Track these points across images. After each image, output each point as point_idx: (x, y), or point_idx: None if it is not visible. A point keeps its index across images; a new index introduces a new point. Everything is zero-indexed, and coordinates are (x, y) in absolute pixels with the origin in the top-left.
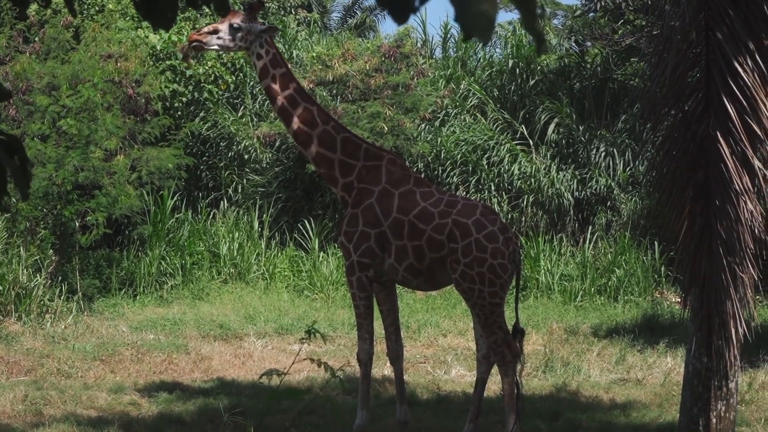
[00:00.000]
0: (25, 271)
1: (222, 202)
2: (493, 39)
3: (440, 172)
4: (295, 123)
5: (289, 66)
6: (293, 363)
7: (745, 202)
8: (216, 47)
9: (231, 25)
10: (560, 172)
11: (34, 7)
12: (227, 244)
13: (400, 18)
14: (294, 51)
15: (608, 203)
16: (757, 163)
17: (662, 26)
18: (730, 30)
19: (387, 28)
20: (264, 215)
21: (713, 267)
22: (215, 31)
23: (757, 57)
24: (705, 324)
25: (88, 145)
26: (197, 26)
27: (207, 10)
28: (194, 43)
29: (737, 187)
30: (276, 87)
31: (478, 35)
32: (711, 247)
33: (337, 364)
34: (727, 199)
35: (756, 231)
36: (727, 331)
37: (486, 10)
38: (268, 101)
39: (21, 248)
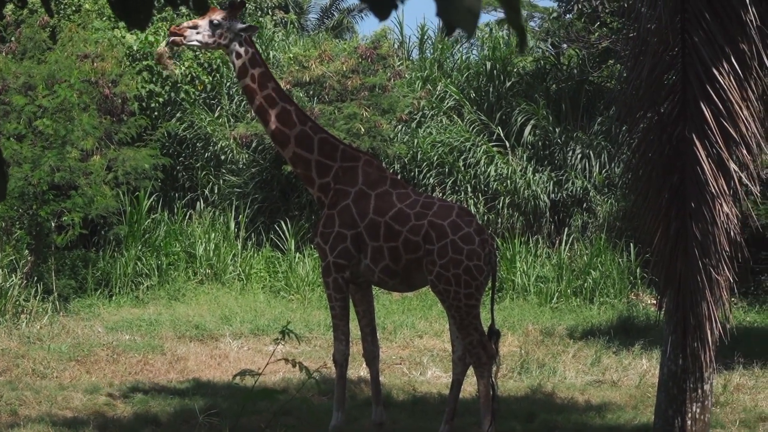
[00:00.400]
0: (0, 271)
1: (198, 203)
2: (470, 41)
3: (417, 173)
4: (273, 123)
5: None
6: (267, 363)
7: (721, 205)
8: (195, 43)
9: (211, 22)
10: (536, 174)
11: (10, 6)
12: (203, 244)
13: (383, 14)
14: (271, 52)
15: (584, 205)
16: (732, 166)
17: (638, 29)
18: (706, 33)
19: (364, 29)
20: (240, 216)
21: (689, 269)
22: (195, 27)
23: (733, 60)
24: (680, 326)
25: (65, 146)
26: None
27: (184, 11)
28: (173, 37)
29: (713, 190)
30: (254, 86)
31: (463, 28)
32: (687, 249)
33: (313, 365)
34: (703, 201)
35: (732, 233)
36: (703, 333)
37: (470, 2)
38: (244, 102)
39: None
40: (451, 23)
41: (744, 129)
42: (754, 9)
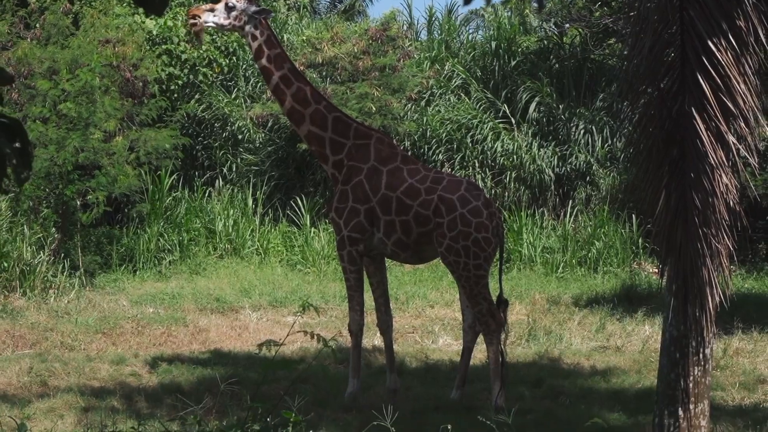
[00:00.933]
0: (28, 248)
1: (217, 181)
2: (476, 21)
3: (426, 150)
4: (289, 102)
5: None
6: (288, 335)
7: (720, 176)
8: (212, 24)
9: (227, 4)
10: (541, 149)
11: None
12: (222, 220)
13: None
14: (285, 35)
15: (587, 178)
16: (731, 138)
17: (638, 7)
18: (703, 10)
19: (375, 11)
20: (258, 193)
21: (689, 238)
22: (211, 10)
23: (730, 36)
24: (681, 292)
25: (88, 127)
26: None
27: None
28: (192, 19)
29: (712, 161)
30: (271, 67)
31: None
32: (687, 218)
33: (329, 335)
34: (703, 172)
35: (731, 203)
36: (703, 299)
37: None
38: (260, 83)
39: (25, 227)
40: None
41: (741, 103)
42: None
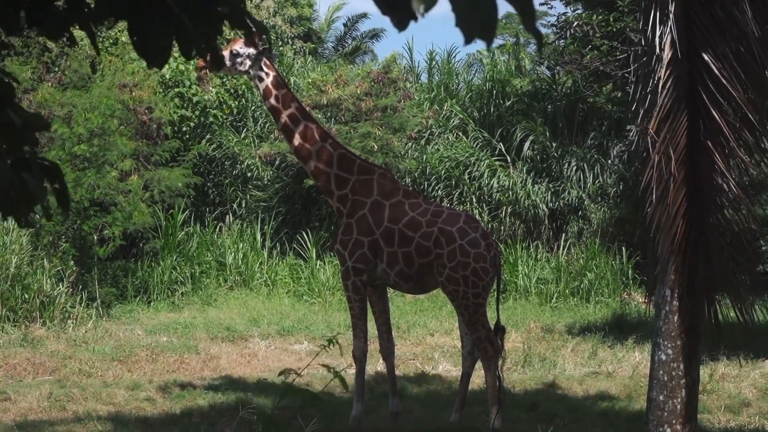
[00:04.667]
0: (48, 280)
1: (227, 216)
2: (473, 65)
3: (426, 186)
4: (297, 140)
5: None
6: (308, 366)
7: (736, 209)
8: (221, 72)
9: (231, 52)
10: (535, 185)
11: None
12: (233, 254)
13: (401, 25)
14: (291, 78)
15: (580, 213)
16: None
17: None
18: (712, 47)
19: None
20: (266, 227)
21: (706, 269)
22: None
23: (739, 69)
24: (669, 317)
25: (103, 165)
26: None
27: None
28: (203, 70)
29: (729, 192)
30: (279, 106)
31: (481, 37)
32: (707, 250)
33: (333, 362)
34: (717, 208)
35: (747, 237)
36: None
37: (486, 13)
38: (268, 124)
39: (45, 260)
40: (470, 34)
41: (757, 134)
42: (755, 23)
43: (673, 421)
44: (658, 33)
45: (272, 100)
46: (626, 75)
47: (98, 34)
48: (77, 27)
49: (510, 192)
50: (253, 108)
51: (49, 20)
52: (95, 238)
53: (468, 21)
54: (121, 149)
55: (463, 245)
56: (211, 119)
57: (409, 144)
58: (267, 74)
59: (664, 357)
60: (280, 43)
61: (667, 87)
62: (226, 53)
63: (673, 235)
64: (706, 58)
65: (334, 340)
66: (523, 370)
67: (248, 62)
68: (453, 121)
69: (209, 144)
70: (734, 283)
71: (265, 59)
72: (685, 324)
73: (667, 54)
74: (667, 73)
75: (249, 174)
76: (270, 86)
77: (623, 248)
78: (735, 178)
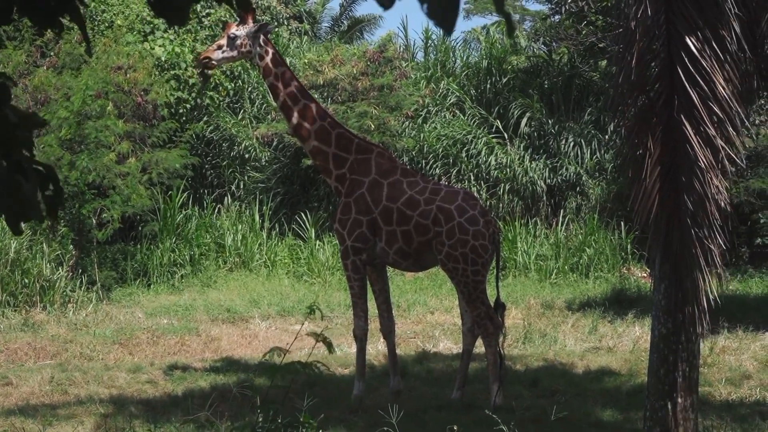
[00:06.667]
0: (48, 265)
1: (226, 198)
2: (471, 43)
3: (424, 164)
4: (295, 118)
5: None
6: (294, 340)
7: (711, 178)
8: (223, 60)
9: (229, 37)
10: (533, 162)
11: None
12: (232, 235)
13: (387, 3)
14: (288, 58)
15: (578, 189)
16: (719, 142)
17: (625, 22)
18: (689, 21)
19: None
20: (264, 208)
21: (683, 239)
22: (219, 47)
23: (714, 45)
24: (672, 291)
25: (98, 148)
26: (198, 37)
27: (212, 18)
28: (205, 60)
29: (702, 165)
30: (279, 84)
31: (440, 25)
32: (680, 221)
33: (335, 341)
34: (694, 175)
35: (722, 204)
36: (697, 298)
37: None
38: (265, 104)
39: (44, 244)
40: (436, 22)
41: (728, 108)
42: None
43: (674, 395)
44: (633, 5)
45: (272, 78)
46: (621, 49)
47: (94, 18)
48: (67, 18)
49: (508, 169)
50: (249, 89)
51: (38, 11)
52: (94, 221)
53: (435, 10)
54: (114, 130)
55: (462, 223)
56: (207, 101)
57: (406, 123)
58: (267, 51)
59: (664, 331)
60: (276, 23)
61: (643, 61)
62: (224, 41)
63: (648, 211)
64: (682, 33)
65: (315, 306)
66: (523, 347)
67: (248, 41)
68: (450, 99)
69: (206, 125)
70: (706, 256)
71: (262, 35)
72: (680, 299)
73: (642, 27)
74: (641, 46)
75: (247, 155)
76: (270, 64)
77: (622, 223)
78: (708, 156)
